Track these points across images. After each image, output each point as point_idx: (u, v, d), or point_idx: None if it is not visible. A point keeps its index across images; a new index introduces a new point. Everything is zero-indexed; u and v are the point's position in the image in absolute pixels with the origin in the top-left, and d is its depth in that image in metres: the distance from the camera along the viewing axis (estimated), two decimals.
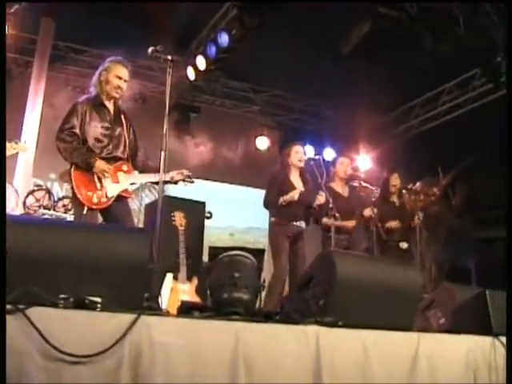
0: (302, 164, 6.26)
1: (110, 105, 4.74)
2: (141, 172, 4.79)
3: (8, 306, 2.27)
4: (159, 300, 3.15)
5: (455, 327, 3.55)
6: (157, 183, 4.45)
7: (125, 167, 4.69)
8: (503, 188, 4.49)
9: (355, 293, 3.18)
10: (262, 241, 9.41)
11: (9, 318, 2.25)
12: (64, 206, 7.09)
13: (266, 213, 6.27)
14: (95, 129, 4.59)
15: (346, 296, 3.14)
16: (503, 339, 3.33)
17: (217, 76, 9.59)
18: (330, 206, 6.05)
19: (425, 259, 8.81)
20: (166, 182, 4.52)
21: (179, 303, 3.28)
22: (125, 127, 4.76)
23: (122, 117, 4.79)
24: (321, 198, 6.07)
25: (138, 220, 7.80)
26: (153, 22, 7.57)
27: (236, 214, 10.08)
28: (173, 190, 6.18)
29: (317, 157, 6.47)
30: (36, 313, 2.31)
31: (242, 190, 10.20)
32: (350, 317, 3.02)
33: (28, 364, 2.23)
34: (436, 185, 9.44)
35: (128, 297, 2.65)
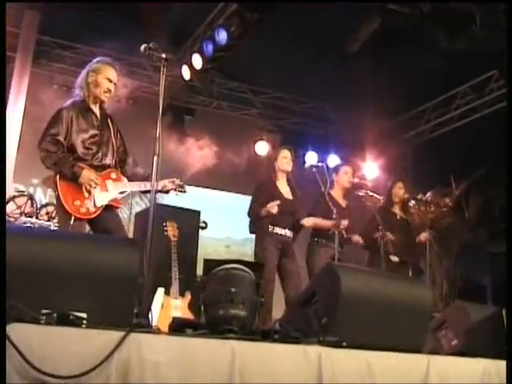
0: (289, 168, 6.28)
1: (96, 109, 4.75)
2: (130, 180, 4.79)
3: None
4: (149, 316, 3.14)
5: (469, 349, 3.53)
6: (148, 192, 4.45)
7: (113, 175, 4.70)
8: None
9: (361, 310, 3.17)
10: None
11: None
12: (47, 213, 7.08)
13: None
14: (83, 136, 4.60)
15: (350, 314, 3.13)
16: None
17: (213, 76, 9.60)
18: (334, 216, 6.06)
19: (435, 275, 8.80)
20: (157, 192, 4.52)
21: (171, 320, 3.27)
22: (112, 132, 4.77)
23: (109, 121, 4.80)
24: (308, 221, 6.18)
25: (128, 229, 7.79)
26: (145, 17, 7.59)
27: (233, 224, 10.06)
28: (165, 198, 6.17)
29: (320, 164, 6.45)
30: (15, 329, 2.29)
31: (239, 198, 10.17)
32: (355, 336, 3.01)
33: None
34: (448, 195, 9.42)
35: (116, 312, 2.64)
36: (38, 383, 2.26)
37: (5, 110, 4.24)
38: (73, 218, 4.40)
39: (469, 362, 3.31)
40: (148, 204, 4.27)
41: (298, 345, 2.86)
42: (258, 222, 6.10)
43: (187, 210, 7.07)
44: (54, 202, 4.81)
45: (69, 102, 4.74)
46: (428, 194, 8.61)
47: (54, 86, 8.73)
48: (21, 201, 6.99)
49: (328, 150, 10.41)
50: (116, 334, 2.43)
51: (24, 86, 7.96)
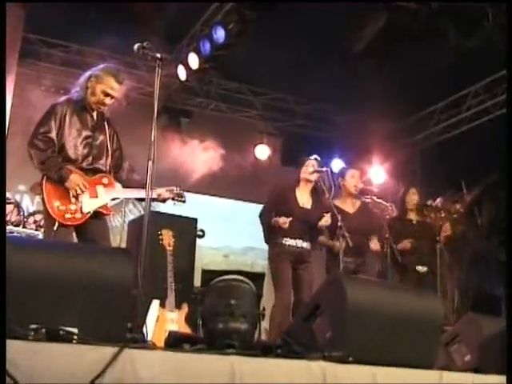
0: (313, 177, 6.26)
1: (92, 111, 4.74)
2: (125, 186, 4.78)
3: None
4: (144, 330, 3.13)
5: (482, 365, 3.52)
6: (142, 200, 4.45)
7: (105, 180, 4.68)
8: None
9: (368, 324, 3.16)
10: (261, 263, 9.39)
11: None
12: (35, 222, 7.08)
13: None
14: (75, 136, 4.58)
15: (357, 327, 3.12)
16: None
17: (211, 76, 9.62)
18: (339, 224, 6.02)
19: (447, 286, 8.78)
20: (152, 200, 4.52)
21: (167, 334, 3.25)
22: (108, 135, 4.76)
23: (106, 123, 4.78)
24: (323, 220, 6.09)
25: (121, 238, 7.79)
26: (139, 15, 7.59)
27: (232, 233, 10.07)
28: (160, 205, 6.16)
29: (324, 169, 6.44)
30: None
31: (238, 205, 10.19)
32: (361, 351, 3.00)
33: None
34: (459, 201, 9.40)
35: (109, 327, 2.63)
36: None
37: (5, 110, 4.24)
38: (56, 224, 4.38)
39: (483, 379, 3.30)
40: (142, 211, 4.28)
41: (302, 360, 2.84)
42: (268, 229, 6.11)
43: (183, 217, 7.05)
44: (42, 209, 4.78)
45: (64, 97, 4.73)
46: (438, 200, 8.59)
47: (41, 87, 8.73)
48: (7, 209, 6.97)
49: (332, 155, 10.40)
50: (109, 350, 2.42)
51: (10, 86, 7.95)
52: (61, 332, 2.49)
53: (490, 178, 9.19)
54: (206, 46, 8.11)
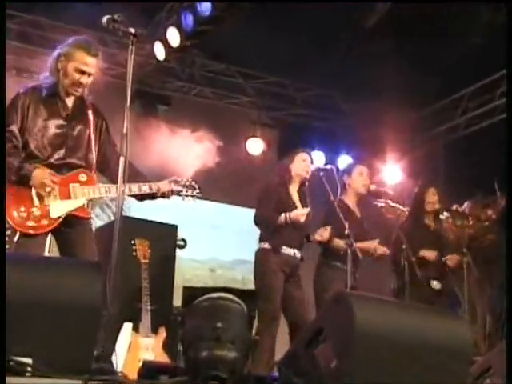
0: (306, 174, 6.28)
1: (67, 96, 4.71)
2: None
3: None
4: (113, 360, 3.13)
5: None
6: (138, 197, 4.48)
7: (83, 177, 4.60)
8: None
9: (380, 352, 3.16)
10: (253, 279, 9.41)
11: None
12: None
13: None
14: (41, 127, 4.56)
15: (367, 356, 3.12)
16: None
17: (194, 56, 9.62)
18: (346, 232, 6.03)
19: (476, 307, 8.77)
20: (152, 197, 4.56)
21: (140, 364, 3.25)
22: (93, 125, 4.71)
23: (90, 111, 4.75)
24: (324, 234, 6.10)
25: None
26: None
27: (219, 243, 10.08)
28: (134, 209, 6.16)
29: (328, 166, 6.46)
30: None
31: (227, 209, 10.20)
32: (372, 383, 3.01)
33: None
34: (491, 206, 9.36)
35: (71, 355, 2.62)
36: None
37: (4, 109, 4.24)
38: (18, 234, 4.33)
39: None
40: (112, 217, 4.25)
41: None
42: (267, 232, 6.10)
43: (161, 224, 7.08)
44: None
45: (28, 86, 4.71)
46: (465, 205, 8.58)
47: (12, 71, 8.66)
48: None
49: (338, 150, 10.44)
50: None
51: None
52: (11, 363, 2.48)
53: None
54: (189, 20, 8.10)
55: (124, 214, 4.29)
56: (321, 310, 3.52)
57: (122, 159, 4.06)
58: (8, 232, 4.37)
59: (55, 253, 4.73)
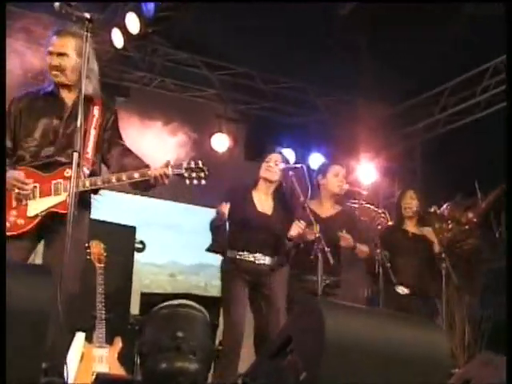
0: (271, 176, 6.27)
1: (66, 94, 4.72)
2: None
3: None
4: (64, 372, 3.11)
5: None
6: (132, 186, 4.56)
7: (68, 172, 4.57)
8: None
9: (352, 363, 3.17)
10: (217, 284, 9.37)
11: None
12: None
13: None
14: (32, 128, 4.57)
15: (338, 367, 3.13)
16: None
17: (155, 44, 9.59)
18: (317, 234, 6.01)
19: (454, 315, 8.83)
20: (147, 185, 4.54)
21: (94, 377, 3.24)
22: (94, 122, 4.71)
23: (96, 108, 4.75)
24: (295, 228, 6.07)
25: (35, 254, 7.71)
26: None
27: (180, 245, 10.06)
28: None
29: (298, 165, 6.46)
30: None
31: (189, 210, 10.18)
32: None
33: None
34: (472, 208, 9.45)
35: (17, 369, 2.60)
36: None
37: (4, 109, 4.23)
38: None
39: None
40: None
41: None
42: (218, 238, 6.10)
43: (118, 225, 7.05)
44: None
45: (24, 91, 4.78)
46: (444, 207, 8.67)
47: None
48: None
49: (309, 147, 10.46)
50: None
51: None
52: None
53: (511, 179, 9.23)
54: (150, 5, 8.08)
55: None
56: (289, 318, 3.51)
57: (75, 155, 4.04)
58: None
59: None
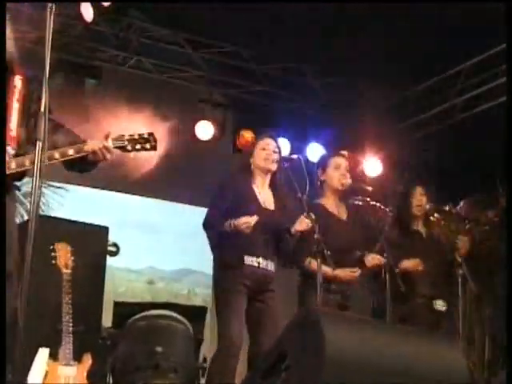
0: (272, 166, 6.26)
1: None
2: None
3: None
4: None
5: None
6: (67, 165, 4.49)
7: None
8: None
9: (354, 382, 3.18)
10: (202, 293, 9.41)
11: None
12: None
13: (209, 247, 6.25)
14: None
15: None
16: None
17: (131, 18, 9.59)
18: (316, 236, 6.00)
19: (474, 330, 8.83)
20: (85, 163, 4.51)
21: None
22: (17, 93, 4.74)
23: (18, 78, 4.76)
24: (303, 223, 6.04)
25: None
26: None
27: (160, 249, 10.06)
28: (54, 207, 6.11)
29: (294, 156, 6.46)
30: None
31: (170, 208, 10.19)
32: None
33: None
34: (492, 207, 9.45)
35: None
36: None
37: (5, 110, 4.23)
38: None
39: None
40: (25, 216, 4.18)
41: None
42: (215, 241, 6.08)
43: (88, 225, 7.04)
44: None
45: None
46: (461, 205, 8.67)
47: None
48: None
49: (307, 136, 10.47)
50: None
51: None
52: None
53: None
54: None
55: (41, 212, 4.27)
56: (283, 332, 3.51)
57: (38, 144, 4.03)
58: None
59: None
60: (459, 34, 8.53)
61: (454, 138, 10.03)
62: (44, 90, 4.11)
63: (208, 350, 4.83)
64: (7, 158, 4.54)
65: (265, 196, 6.25)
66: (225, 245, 6.04)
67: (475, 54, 9.65)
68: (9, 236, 4.53)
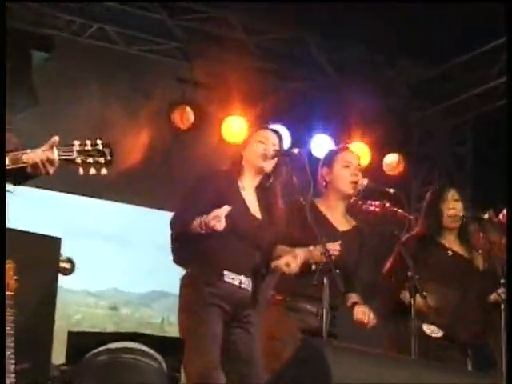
0: (267, 165, 6.22)
1: None
2: None
3: None
4: None
5: None
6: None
7: None
8: None
9: None
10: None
11: None
12: None
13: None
14: None
15: None
16: None
17: None
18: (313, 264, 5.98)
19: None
20: (23, 176, 4.57)
21: None
22: None
23: None
24: (292, 263, 6.00)
25: None
26: None
27: (126, 266, 10.09)
28: None
29: (295, 150, 6.44)
30: None
31: (139, 214, 10.22)
32: None
33: None
34: None
35: None
36: None
37: (5, 111, 4.29)
38: None
39: None
40: None
41: None
42: (186, 245, 6.05)
43: (36, 236, 7.07)
44: None
45: None
46: (504, 212, 8.73)
47: None
48: None
49: (311, 126, 10.47)
50: None
51: None
52: None
53: None
54: None
55: None
56: (283, 367, 3.55)
57: None
58: None
59: None
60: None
61: (495, 128, 10.09)
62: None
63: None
64: None
65: (252, 200, 6.19)
66: (196, 252, 6.01)
67: None
68: None
